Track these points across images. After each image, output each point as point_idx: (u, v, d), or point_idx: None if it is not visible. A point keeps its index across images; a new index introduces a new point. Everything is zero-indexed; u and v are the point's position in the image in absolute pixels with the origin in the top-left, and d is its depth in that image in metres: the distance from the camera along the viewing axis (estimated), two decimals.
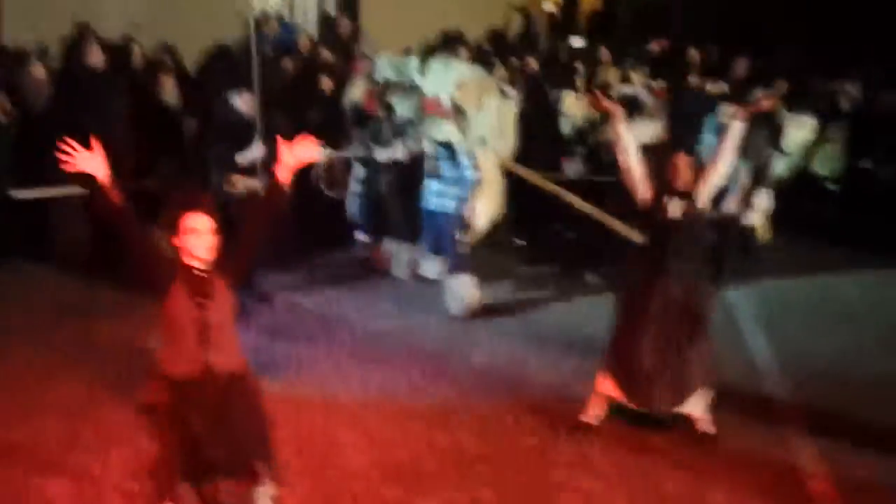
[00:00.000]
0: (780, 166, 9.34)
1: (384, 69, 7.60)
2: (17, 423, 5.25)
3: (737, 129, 5.17)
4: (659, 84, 9.32)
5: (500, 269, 8.05)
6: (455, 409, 5.61)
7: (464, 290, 7.14)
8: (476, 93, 7.06)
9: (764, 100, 5.58)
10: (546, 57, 10.57)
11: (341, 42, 9.86)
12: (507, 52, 10.38)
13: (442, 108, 7.07)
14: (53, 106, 7.93)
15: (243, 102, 6.96)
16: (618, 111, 5.31)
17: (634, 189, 5.27)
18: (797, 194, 9.48)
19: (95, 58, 8.51)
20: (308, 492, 4.67)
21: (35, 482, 4.65)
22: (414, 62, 7.35)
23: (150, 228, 3.90)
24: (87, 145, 3.72)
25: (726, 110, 7.74)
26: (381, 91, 7.63)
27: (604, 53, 10.29)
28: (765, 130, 9.12)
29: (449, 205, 7.22)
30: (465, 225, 7.22)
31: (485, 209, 7.25)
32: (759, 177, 8.56)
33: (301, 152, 3.96)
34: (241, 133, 6.86)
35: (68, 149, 3.68)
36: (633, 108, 8.77)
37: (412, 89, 7.34)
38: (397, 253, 8.00)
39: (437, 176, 7.28)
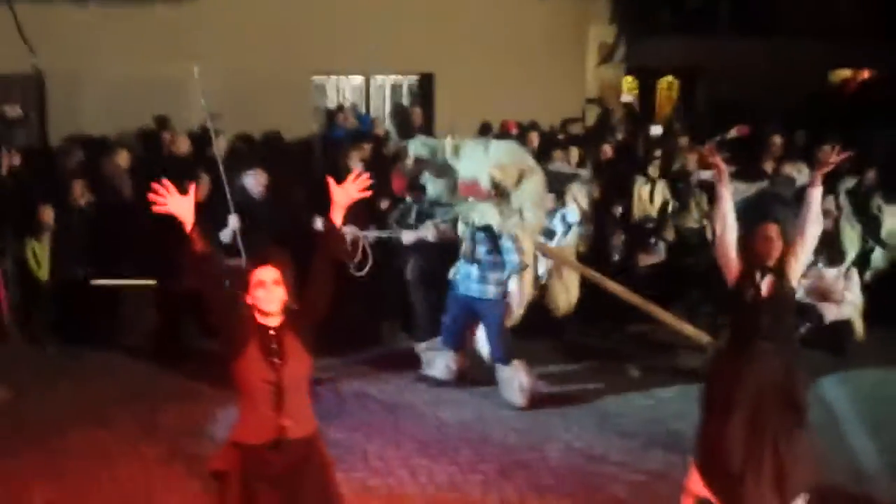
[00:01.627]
0: (876, 258, 8.94)
1: (416, 148, 7.17)
2: None
3: (814, 195, 4.80)
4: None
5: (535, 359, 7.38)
6: None
7: (521, 377, 6.76)
8: (516, 173, 6.71)
9: (830, 156, 5.25)
10: (622, 145, 10.42)
11: (414, 132, 9.88)
12: (581, 140, 10.26)
13: (481, 190, 6.70)
14: (134, 194, 8.08)
15: (252, 183, 7.08)
16: (725, 171, 4.97)
17: (725, 262, 4.92)
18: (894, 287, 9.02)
19: (181, 145, 8.70)
20: None
21: None
22: (448, 142, 6.95)
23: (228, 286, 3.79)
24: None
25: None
26: (412, 171, 7.17)
27: (682, 140, 10.10)
28: (858, 220, 8.82)
29: (489, 290, 6.82)
30: (507, 311, 6.85)
31: (524, 292, 6.89)
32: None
33: (351, 190, 3.87)
34: (250, 212, 6.97)
35: (161, 190, 3.65)
36: (711, 194, 8.53)
37: (444, 169, 6.95)
38: (427, 350, 7.35)
39: (474, 260, 6.86)
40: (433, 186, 7.00)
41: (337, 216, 3.86)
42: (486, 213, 6.74)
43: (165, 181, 3.68)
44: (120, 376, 7.19)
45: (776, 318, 4.83)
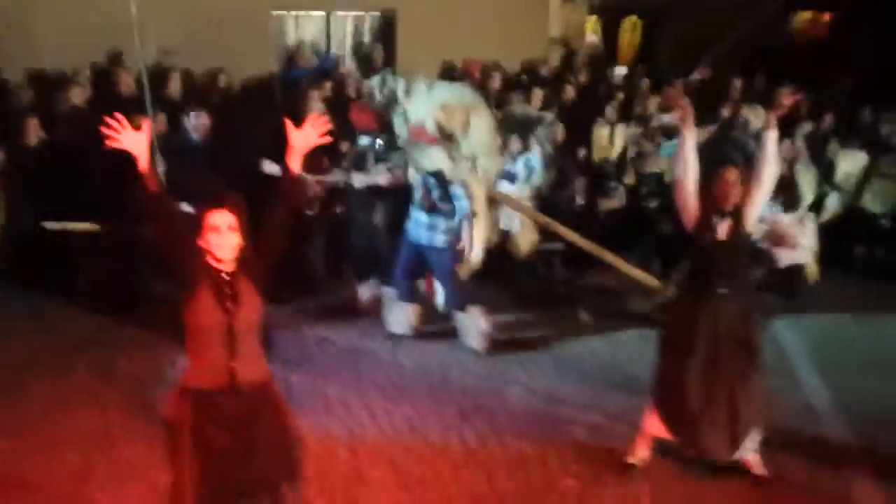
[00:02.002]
0: (831, 203, 9.04)
1: (392, 83, 6.73)
2: (33, 456, 5.08)
3: (770, 137, 4.80)
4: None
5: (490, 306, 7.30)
6: (489, 449, 5.34)
7: (478, 323, 6.71)
8: (462, 114, 6.42)
9: (785, 98, 5.26)
10: (585, 87, 10.34)
11: (375, 70, 9.70)
12: (545, 82, 10.16)
13: (427, 135, 6.45)
14: (85, 134, 7.86)
15: (195, 124, 6.95)
16: (690, 114, 4.93)
17: (684, 206, 4.93)
18: (847, 232, 9.17)
19: (126, 85, 8.46)
20: None
21: None
22: (401, 83, 6.59)
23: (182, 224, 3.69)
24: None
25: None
26: (381, 106, 6.75)
27: (644, 83, 10.06)
28: (815, 165, 8.90)
29: (441, 238, 6.65)
30: (461, 257, 6.66)
31: (479, 238, 6.63)
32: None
33: (310, 135, 3.80)
34: (188, 155, 6.78)
35: (115, 125, 3.55)
36: (671, 136, 8.55)
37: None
38: (390, 302, 7.12)
39: (426, 207, 6.68)
40: (398, 125, 6.68)
41: (294, 161, 3.78)
42: (435, 159, 6.51)
43: (119, 116, 3.57)
44: (76, 323, 7.08)
45: (733, 261, 4.88)
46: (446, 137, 6.42)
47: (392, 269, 7.03)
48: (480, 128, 6.52)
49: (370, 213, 7.49)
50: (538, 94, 8.99)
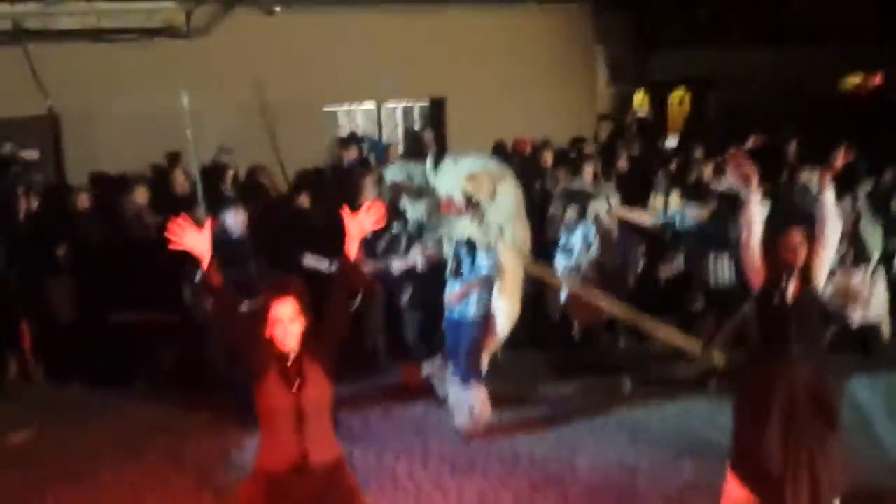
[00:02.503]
0: None
1: (393, 174, 6.89)
2: None
3: (826, 196, 4.76)
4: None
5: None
6: None
7: (475, 403, 6.46)
8: (488, 182, 6.42)
9: (838, 159, 5.25)
10: (637, 159, 10.36)
11: (425, 155, 9.88)
12: (595, 156, 10.20)
13: (456, 206, 6.45)
14: (148, 232, 8.10)
15: (232, 221, 6.94)
16: (754, 176, 4.90)
17: (751, 267, 4.89)
18: None
19: (181, 186, 8.74)
20: None
21: None
22: (427, 163, 6.66)
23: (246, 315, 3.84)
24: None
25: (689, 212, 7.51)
26: (391, 196, 6.83)
27: (697, 151, 10.05)
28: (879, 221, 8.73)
29: (469, 308, 6.53)
30: (486, 328, 6.53)
31: (506, 308, 6.52)
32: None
33: (365, 220, 3.91)
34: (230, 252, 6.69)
35: (178, 226, 3.66)
36: (730, 203, 8.47)
37: (423, 191, 6.65)
38: (438, 373, 6.93)
39: (459, 276, 6.59)
40: (413, 210, 6.76)
41: (352, 247, 3.88)
42: (464, 228, 6.51)
43: (181, 216, 3.72)
44: (144, 411, 7.16)
45: (803, 321, 4.78)
46: (473, 206, 6.45)
47: (418, 344, 7.07)
48: (507, 195, 6.53)
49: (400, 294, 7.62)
50: (588, 171, 9.03)
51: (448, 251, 6.77)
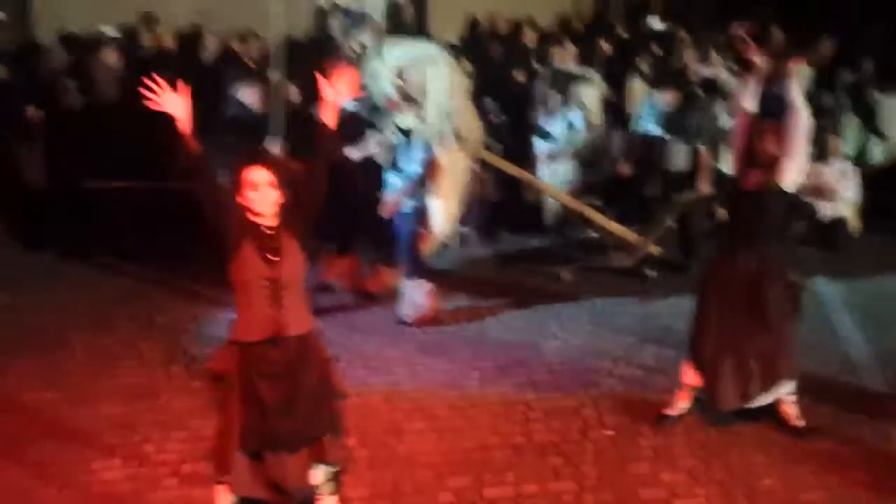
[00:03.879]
0: (875, 153, 8.87)
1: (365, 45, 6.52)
2: (78, 408, 5.21)
3: (792, 87, 4.67)
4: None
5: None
6: (527, 401, 5.36)
7: (418, 296, 6.48)
8: (417, 75, 6.11)
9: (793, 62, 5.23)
10: (621, 40, 10.18)
11: (406, 30, 9.63)
12: (579, 36, 10.01)
13: (394, 103, 6.18)
14: (121, 95, 7.93)
15: (250, 96, 6.63)
16: (758, 63, 4.82)
17: (735, 156, 4.93)
18: (891, 183, 9.00)
19: (159, 47, 8.51)
20: (372, 481, 4.51)
21: (93, 466, 4.60)
22: (374, 46, 6.30)
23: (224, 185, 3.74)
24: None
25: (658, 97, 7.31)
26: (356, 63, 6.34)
27: (682, 35, 9.88)
28: (856, 114, 8.72)
29: (404, 203, 6.38)
30: (421, 223, 6.38)
31: (441, 205, 6.31)
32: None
33: (342, 89, 3.83)
34: (249, 127, 6.47)
35: (155, 87, 3.58)
36: (712, 90, 8.42)
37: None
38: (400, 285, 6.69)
39: (395, 169, 6.40)
40: (376, 84, 6.30)
41: (328, 116, 3.82)
42: (405, 122, 6.27)
43: (159, 79, 3.60)
44: (117, 280, 7.21)
45: (759, 212, 4.81)
46: (410, 101, 6.20)
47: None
48: (439, 84, 6.18)
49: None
50: (571, 50, 8.83)
51: (393, 140, 6.50)
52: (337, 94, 3.82)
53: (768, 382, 4.88)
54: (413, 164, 6.31)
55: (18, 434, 4.90)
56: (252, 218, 3.66)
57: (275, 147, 6.27)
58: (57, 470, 4.56)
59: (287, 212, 3.72)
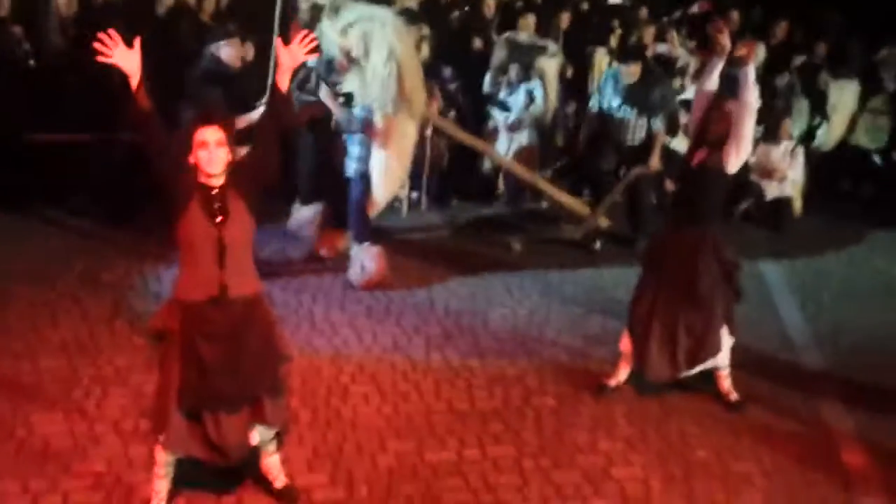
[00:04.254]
0: (822, 136, 9.04)
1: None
2: (19, 361, 5.13)
3: (749, 71, 4.72)
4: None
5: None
6: (470, 368, 5.42)
7: (366, 260, 6.46)
8: (360, 36, 5.97)
9: (742, 48, 5.32)
10: (581, 13, 10.19)
11: None
12: (538, 7, 9.98)
13: (340, 63, 6.05)
14: (72, 46, 7.74)
15: (228, 53, 6.36)
16: (726, 50, 4.83)
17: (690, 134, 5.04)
18: (836, 166, 9.20)
19: None
20: (314, 441, 4.54)
21: (32, 419, 4.54)
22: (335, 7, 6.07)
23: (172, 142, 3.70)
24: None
25: (622, 69, 7.36)
26: (307, 20, 6.15)
27: (641, 12, 9.94)
28: (806, 97, 8.87)
29: (350, 166, 6.35)
30: (365, 188, 6.32)
31: (381, 170, 6.25)
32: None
33: (297, 52, 3.81)
34: (226, 85, 6.22)
35: (107, 40, 3.50)
36: (667, 67, 8.49)
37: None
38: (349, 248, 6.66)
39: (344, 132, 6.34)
40: (326, 43, 6.06)
41: (283, 79, 3.79)
42: (349, 82, 6.17)
43: (112, 31, 3.52)
44: (63, 234, 7.08)
45: (698, 189, 4.90)
46: (353, 62, 6.07)
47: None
48: (381, 48, 6.00)
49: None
50: (529, 21, 8.82)
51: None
52: (292, 58, 3.79)
53: (696, 357, 5.00)
54: (353, 127, 6.26)
55: None
56: (201, 178, 3.64)
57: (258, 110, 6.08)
58: None
59: (237, 173, 3.70)
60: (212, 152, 3.59)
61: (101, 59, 3.52)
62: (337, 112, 6.43)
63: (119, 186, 7.43)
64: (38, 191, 7.57)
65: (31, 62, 7.67)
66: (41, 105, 7.41)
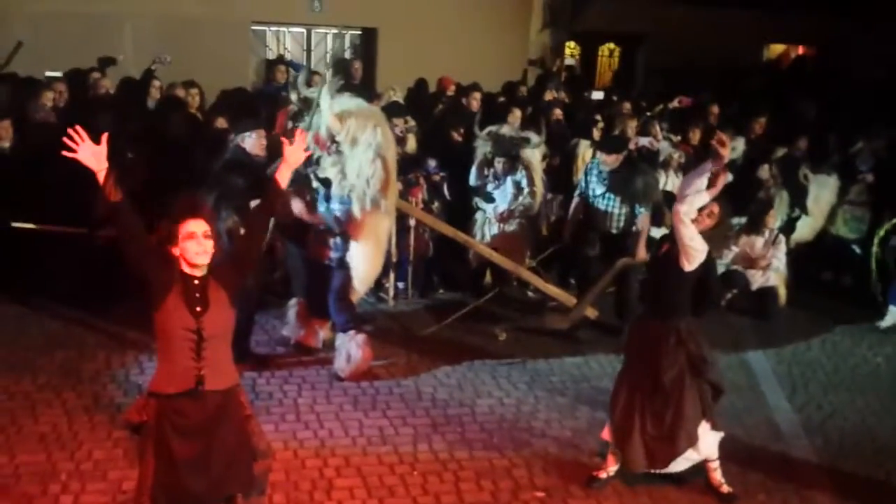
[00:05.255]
0: (802, 227, 9.16)
1: (305, 91, 6.28)
2: None
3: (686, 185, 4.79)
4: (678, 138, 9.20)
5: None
6: (458, 460, 5.34)
7: (352, 348, 6.34)
8: (354, 126, 6.01)
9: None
10: (565, 106, 10.41)
11: (352, 86, 9.72)
12: (523, 102, 10.21)
13: (322, 141, 6.04)
14: (56, 138, 7.79)
15: (254, 143, 6.39)
16: (724, 162, 4.80)
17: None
18: (816, 256, 9.30)
19: (103, 88, 8.43)
20: None
21: None
22: (325, 90, 6.07)
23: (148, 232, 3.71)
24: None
25: (601, 157, 7.48)
26: (294, 112, 6.29)
27: (624, 106, 10.17)
28: (787, 189, 9.02)
29: (327, 253, 6.35)
30: (346, 276, 6.35)
31: (360, 260, 6.29)
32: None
33: (299, 150, 3.98)
34: (250, 174, 6.18)
35: (76, 137, 3.54)
36: (650, 159, 8.63)
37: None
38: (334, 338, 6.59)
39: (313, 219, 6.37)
40: (310, 136, 6.00)
41: (284, 175, 3.90)
42: (326, 168, 6.17)
43: (79, 129, 3.56)
44: (43, 324, 6.99)
45: (666, 280, 4.95)
46: (336, 148, 6.09)
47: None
48: (369, 147, 6.07)
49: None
50: (516, 114, 9.01)
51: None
52: (296, 156, 3.94)
53: (670, 451, 4.95)
54: (329, 215, 6.28)
55: None
56: (183, 268, 3.64)
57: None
58: None
59: (222, 264, 3.72)
60: (200, 244, 3.60)
61: (67, 154, 3.55)
62: (313, 219, 6.41)
63: (100, 276, 7.39)
64: (18, 279, 7.51)
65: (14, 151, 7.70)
66: (25, 196, 7.42)
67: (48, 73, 8.70)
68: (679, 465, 4.99)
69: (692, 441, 4.92)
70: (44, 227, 7.10)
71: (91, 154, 3.55)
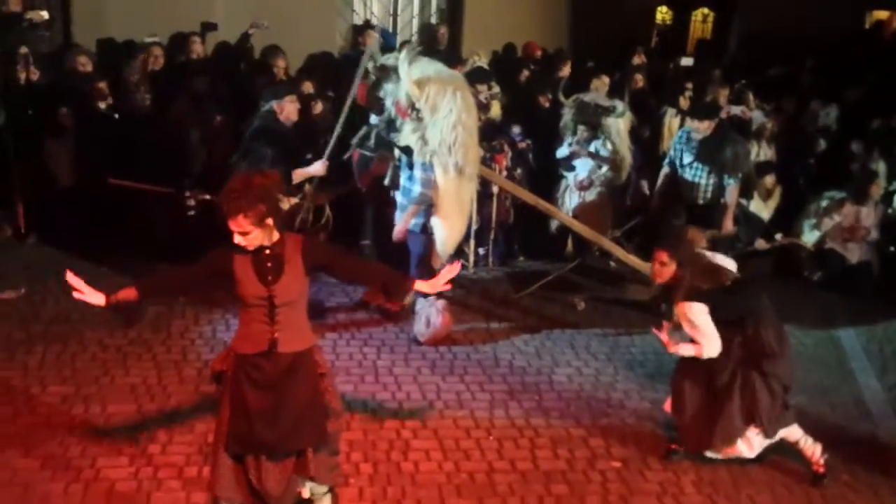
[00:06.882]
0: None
1: (382, 57, 6.20)
2: (90, 405, 5.24)
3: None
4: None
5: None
6: (535, 427, 5.34)
7: (432, 315, 6.37)
8: (434, 92, 5.93)
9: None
10: (654, 75, 10.18)
11: (437, 51, 9.69)
12: (611, 66, 10.02)
13: (401, 108, 6.01)
14: (156, 100, 8.00)
15: (289, 110, 6.42)
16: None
17: None
18: None
19: (196, 53, 8.60)
20: (374, 497, 4.52)
21: (99, 462, 4.64)
22: (402, 55, 6.00)
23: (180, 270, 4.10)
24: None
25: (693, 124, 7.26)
26: (374, 81, 6.22)
27: (715, 74, 9.89)
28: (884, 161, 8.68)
29: (414, 221, 6.34)
30: (428, 243, 6.31)
31: (442, 227, 6.21)
32: None
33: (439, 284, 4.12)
34: (279, 143, 6.27)
35: (76, 284, 3.93)
36: (741, 128, 8.39)
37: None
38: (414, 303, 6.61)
39: (399, 188, 6.39)
40: (390, 103, 6.17)
41: (423, 286, 4.16)
42: (406, 135, 6.13)
43: (72, 279, 3.93)
44: (136, 280, 7.20)
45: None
46: (416, 114, 6.03)
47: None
48: (450, 113, 5.95)
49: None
50: (604, 80, 8.85)
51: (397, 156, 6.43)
52: (435, 288, 4.10)
53: (709, 442, 4.88)
54: (415, 184, 6.27)
55: (26, 427, 4.93)
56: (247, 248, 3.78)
57: (317, 166, 6.30)
58: (63, 465, 4.59)
59: (315, 246, 3.96)
60: (246, 237, 3.73)
61: (74, 296, 3.91)
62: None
63: (191, 235, 7.57)
64: (114, 236, 7.77)
65: (115, 115, 7.94)
66: (120, 157, 7.66)
67: (147, 38, 8.90)
68: (744, 451, 4.89)
69: (729, 441, 4.84)
70: (138, 185, 7.31)
71: (90, 295, 3.91)
